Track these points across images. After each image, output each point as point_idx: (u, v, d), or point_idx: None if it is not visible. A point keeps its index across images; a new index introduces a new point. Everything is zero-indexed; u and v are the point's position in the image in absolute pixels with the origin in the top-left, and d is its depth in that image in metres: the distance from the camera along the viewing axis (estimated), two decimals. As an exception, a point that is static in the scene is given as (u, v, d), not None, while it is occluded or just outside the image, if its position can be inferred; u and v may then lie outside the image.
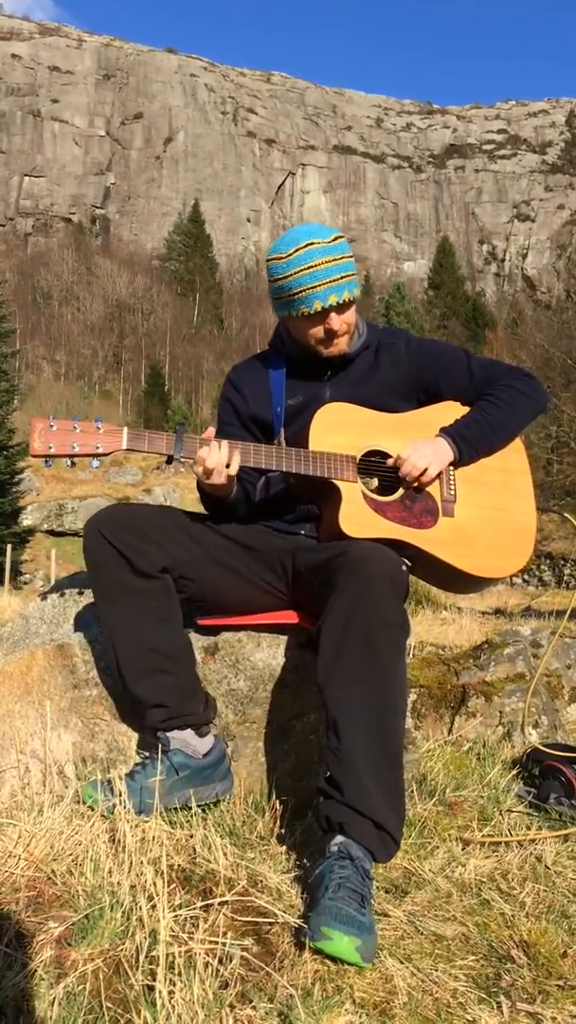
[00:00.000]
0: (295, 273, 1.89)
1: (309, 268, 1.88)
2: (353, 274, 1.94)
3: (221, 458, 1.82)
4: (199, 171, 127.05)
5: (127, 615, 1.78)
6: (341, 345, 2.00)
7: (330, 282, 1.89)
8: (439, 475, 1.95)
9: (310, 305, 1.90)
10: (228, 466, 1.83)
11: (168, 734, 1.78)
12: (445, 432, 1.99)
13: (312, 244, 1.89)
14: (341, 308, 1.93)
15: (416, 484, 1.93)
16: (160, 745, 1.78)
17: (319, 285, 1.88)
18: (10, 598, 11.99)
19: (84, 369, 75.59)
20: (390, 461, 1.94)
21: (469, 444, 1.99)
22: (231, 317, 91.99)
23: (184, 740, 1.78)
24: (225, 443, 1.84)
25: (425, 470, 1.90)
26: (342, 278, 1.90)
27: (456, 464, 1.99)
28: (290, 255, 1.90)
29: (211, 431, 1.90)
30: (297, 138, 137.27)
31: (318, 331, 1.96)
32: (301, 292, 1.90)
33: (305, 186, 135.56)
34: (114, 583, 1.79)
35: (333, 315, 1.93)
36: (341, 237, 1.95)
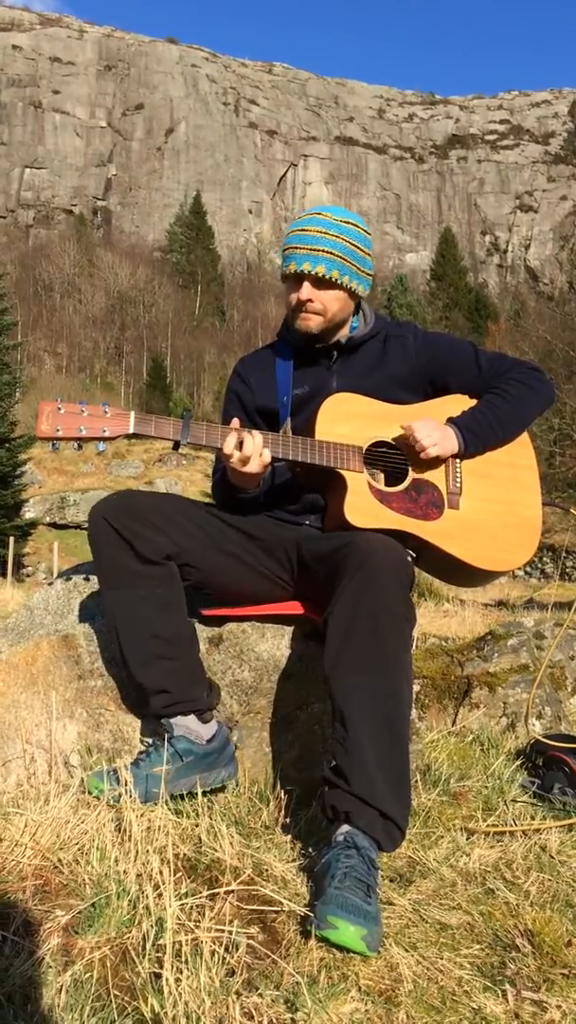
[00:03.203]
0: (290, 232, 1.99)
1: (302, 231, 1.96)
2: (342, 257, 1.95)
3: (257, 445, 1.82)
4: (200, 162, 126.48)
5: (130, 601, 1.78)
6: (309, 322, 2.00)
7: (311, 250, 1.93)
8: (440, 461, 1.95)
9: (286, 265, 1.98)
10: (261, 455, 1.83)
11: (171, 720, 1.79)
12: (453, 423, 1.98)
13: (320, 215, 1.97)
14: (318, 283, 1.96)
15: (420, 459, 1.92)
16: (164, 732, 1.78)
17: (300, 248, 1.94)
18: (12, 591, 12.01)
19: (86, 361, 75.43)
20: (403, 426, 1.94)
21: (475, 436, 1.98)
22: (233, 309, 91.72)
23: (187, 726, 1.78)
24: (258, 432, 1.84)
25: (427, 448, 1.90)
26: (326, 252, 1.92)
27: (461, 456, 1.99)
28: (299, 217, 1.98)
29: (236, 421, 1.91)
30: (299, 129, 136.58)
31: (292, 298, 2.00)
32: (285, 250, 1.98)
33: (307, 177, 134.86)
34: (117, 568, 1.79)
35: (306, 284, 1.96)
36: (356, 226, 1.98)
